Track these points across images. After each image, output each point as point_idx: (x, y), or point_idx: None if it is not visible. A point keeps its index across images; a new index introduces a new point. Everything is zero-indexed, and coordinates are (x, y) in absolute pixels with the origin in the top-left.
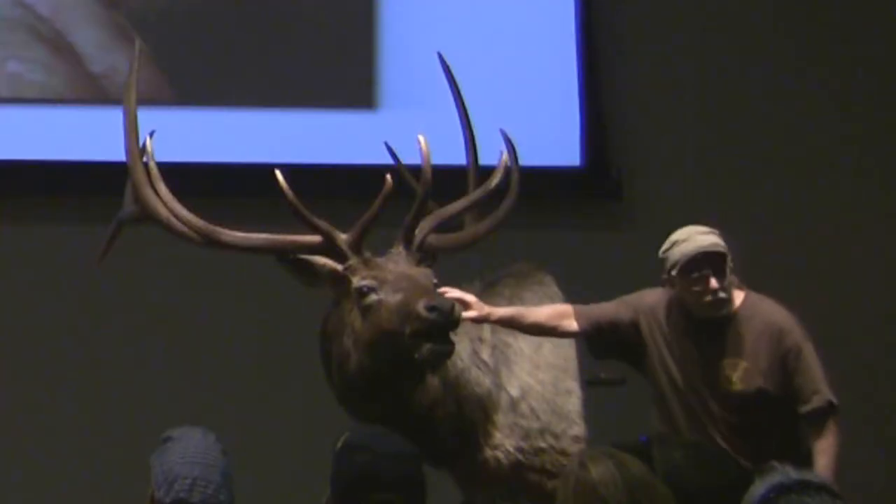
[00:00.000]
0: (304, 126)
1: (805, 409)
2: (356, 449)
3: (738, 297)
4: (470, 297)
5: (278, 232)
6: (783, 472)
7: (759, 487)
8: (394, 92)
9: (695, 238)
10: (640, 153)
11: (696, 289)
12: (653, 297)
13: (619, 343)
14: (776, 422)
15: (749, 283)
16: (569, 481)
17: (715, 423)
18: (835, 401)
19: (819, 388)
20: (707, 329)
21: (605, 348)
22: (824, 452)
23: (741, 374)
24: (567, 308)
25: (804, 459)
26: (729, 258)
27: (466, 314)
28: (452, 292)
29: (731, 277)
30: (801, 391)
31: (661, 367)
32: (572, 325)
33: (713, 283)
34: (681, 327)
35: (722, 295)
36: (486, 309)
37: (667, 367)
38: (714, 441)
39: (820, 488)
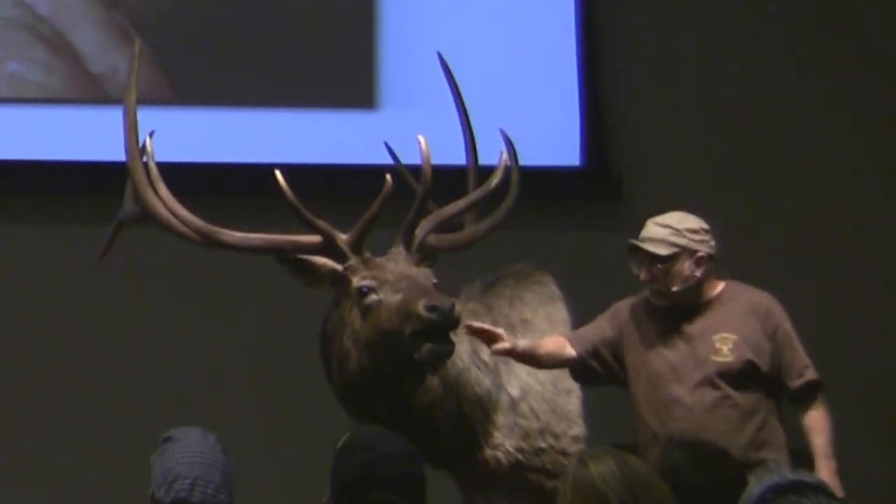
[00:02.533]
0: (304, 126)
1: (797, 383)
2: (356, 449)
3: (718, 286)
4: (498, 330)
5: (278, 232)
6: (779, 473)
7: (755, 488)
8: (394, 92)
9: (645, 228)
10: (640, 153)
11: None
12: (629, 302)
13: (611, 359)
14: (759, 402)
15: (749, 283)
16: (569, 479)
17: (700, 401)
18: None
19: (809, 365)
20: (691, 312)
21: (592, 374)
22: (821, 430)
23: (732, 347)
24: (560, 338)
25: (781, 447)
26: (682, 255)
27: (497, 347)
28: (477, 325)
29: (689, 268)
30: (791, 367)
31: (642, 363)
32: (570, 351)
33: (643, 274)
34: (665, 315)
35: (654, 287)
36: (513, 341)
37: (646, 361)
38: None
39: (816, 489)
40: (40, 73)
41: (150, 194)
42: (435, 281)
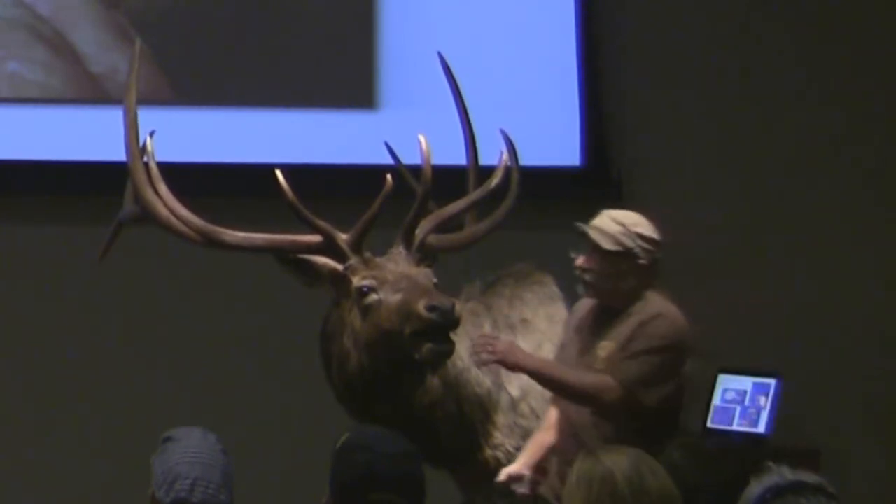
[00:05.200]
0: (304, 126)
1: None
2: (356, 449)
3: (642, 297)
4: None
5: (278, 232)
6: (779, 473)
7: (754, 488)
8: (394, 92)
9: (599, 217)
10: (640, 153)
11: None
12: (570, 317)
13: None
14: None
15: (749, 283)
16: (573, 471)
17: (580, 414)
18: (636, 392)
19: (621, 369)
20: (606, 319)
21: None
22: (568, 370)
23: (605, 354)
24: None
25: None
26: (624, 256)
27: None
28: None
29: (624, 271)
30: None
31: None
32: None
33: (580, 259)
34: (585, 324)
35: (585, 276)
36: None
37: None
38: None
39: (816, 489)
40: (40, 73)
41: (150, 194)
42: (435, 281)
